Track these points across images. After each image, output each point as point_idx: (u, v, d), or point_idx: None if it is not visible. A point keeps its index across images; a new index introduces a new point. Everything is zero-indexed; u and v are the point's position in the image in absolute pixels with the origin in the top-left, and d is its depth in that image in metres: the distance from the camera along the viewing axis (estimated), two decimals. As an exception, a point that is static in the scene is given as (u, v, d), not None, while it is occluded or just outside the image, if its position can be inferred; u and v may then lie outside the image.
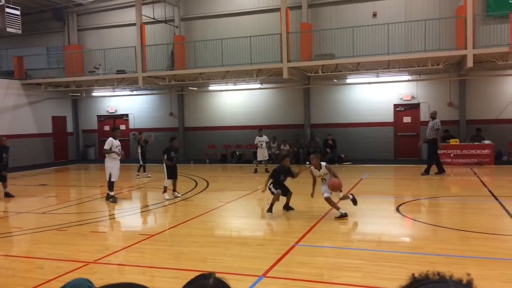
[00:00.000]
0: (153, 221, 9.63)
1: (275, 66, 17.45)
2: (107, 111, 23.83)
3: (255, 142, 16.74)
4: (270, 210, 8.95)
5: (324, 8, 19.55)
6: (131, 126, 23.35)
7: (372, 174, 15.15)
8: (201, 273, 1.24)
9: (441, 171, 14.28)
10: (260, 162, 16.54)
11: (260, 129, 17.49)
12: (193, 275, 1.22)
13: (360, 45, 17.44)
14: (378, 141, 19.38)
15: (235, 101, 21.32)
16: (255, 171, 16.39)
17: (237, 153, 20.52)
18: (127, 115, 23.46)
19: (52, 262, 6.24)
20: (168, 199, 11.13)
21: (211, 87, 21.16)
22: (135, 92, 22.60)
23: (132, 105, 23.17)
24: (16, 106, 20.75)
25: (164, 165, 11.31)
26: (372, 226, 8.27)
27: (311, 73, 18.11)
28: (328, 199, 8.70)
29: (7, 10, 16.11)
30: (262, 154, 16.47)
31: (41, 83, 21.19)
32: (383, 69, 17.36)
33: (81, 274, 5.68)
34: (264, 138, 16.72)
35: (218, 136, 21.43)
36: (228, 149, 20.99)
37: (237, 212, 10.14)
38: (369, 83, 18.90)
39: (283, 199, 9.31)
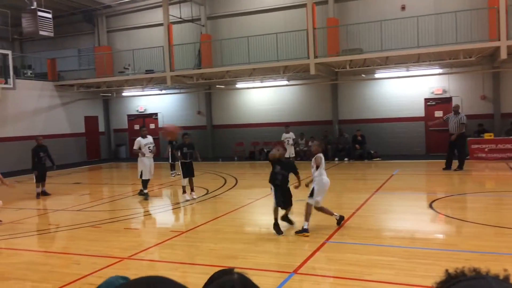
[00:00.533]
0: (183, 218, 9.76)
1: (302, 62, 17.36)
2: (137, 110, 24.25)
3: (282, 139, 16.72)
4: (276, 228, 7.34)
5: (351, 3, 19.30)
6: (160, 125, 23.68)
7: (403, 170, 14.89)
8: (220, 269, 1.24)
9: (448, 167, 14.03)
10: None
11: (287, 125, 17.46)
12: None
13: (389, 39, 17.14)
14: (409, 136, 19.02)
15: (262, 98, 21.34)
16: None
17: (265, 150, 20.51)
18: (156, 114, 23.81)
19: (88, 258, 6.42)
20: (188, 200, 10.92)
21: (238, 85, 21.24)
22: (163, 91, 22.91)
23: (161, 104, 23.49)
24: (50, 107, 21.37)
25: (179, 162, 11.27)
26: (404, 222, 8.15)
27: (338, 69, 17.93)
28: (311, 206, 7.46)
29: (39, 13, 16.58)
30: (289, 151, 16.42)
31: (73, 84, 21.74)
32: (413, 62, 17.01)
33: (116, 270, 5.82)
34: (291, 135, 16.68)
35: (246, 133, 21.50)
36: (256, 146, 21.03)
37: (267, 209, 10.13)
38: (399, 77, 18.56)
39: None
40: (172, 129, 8.13)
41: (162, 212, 10.25)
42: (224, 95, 22.17)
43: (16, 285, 5.43)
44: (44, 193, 12.41)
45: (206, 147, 22.44)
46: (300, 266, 5.60)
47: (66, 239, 7.99)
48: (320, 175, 7.35)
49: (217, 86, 21.50)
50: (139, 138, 11.41)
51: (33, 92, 20.41)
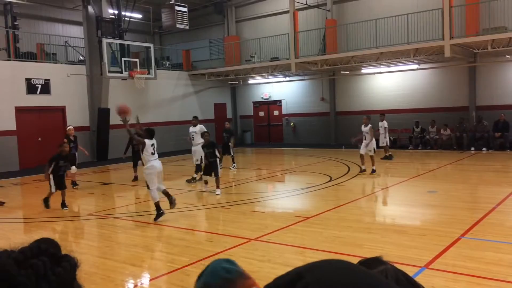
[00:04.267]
0: (307, 204, 9.85)
1: (436, 44, 16.14)
2: (262, 98, 24.98)
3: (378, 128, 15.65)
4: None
5: (495, -25, 17.31)
6: (283, 111, 24.12)
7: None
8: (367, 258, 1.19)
9: None
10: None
11: (382, 114, 16.17)
12: (352, 260, 1.13)
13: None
14: None
15: (389, 84, 20.40)
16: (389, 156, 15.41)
17: (391, 138, 19.63)
18: (280, 101, 24.28)
19: (220, 237, 6.84)
20: (204, 191, 10.63)
21: (364, 70, 20.57)
22: (287, 78, 23.22)
23: (285, 91, 23.86)
24: (184, 95, 23.12)
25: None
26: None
27: (478, 50, 16.30)
28: (361, 156, 12.20)
29: (177, 8, 17.95)
30: (381, 140, 15.20)
31: (204, 73, 23.19)
32: None
33: (244, 250, 6.12)
34: (384, 123, 15.35)
35: (371, 120, 20.74)
36: (382, 134, 20.23)
37: (393, 199, 9.77)
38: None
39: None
40: (123, 108, 7.86)
41: (286, 197, 10.47)
42: (349, 81, 21.68)
43: (160, 256, 6.04)
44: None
45: (329, 133, 22.27)
46: (431, 261, 5.28)
47: (199, 217, 8.62)
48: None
49: (342, 72, 21.08)
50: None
51: (170, 81, 22.25)
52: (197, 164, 12.03)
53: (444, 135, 17.85)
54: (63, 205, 9.45)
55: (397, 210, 8.77)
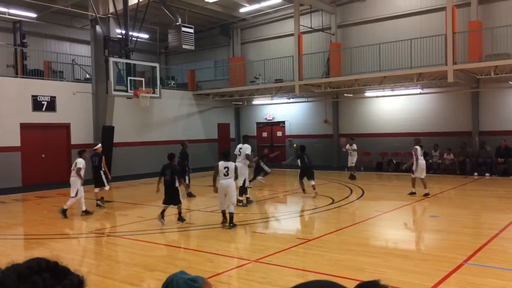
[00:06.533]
0: (308, 226, 9.80)
1: (439, 69, 16.27)
2: (265, 118, 25.10)
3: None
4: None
5: (497, 4, 17.55)
6: (287, 133, 24.18)
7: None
8: (365, 281, 1.20)
9: None
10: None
11: (351, 138, 17.91)
12: (353, 283, 1.17)
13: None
14: None
15: (392, 107, 20.49)
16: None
17: (394, 161, 19.65)
18: (283, 122, 24.37)
19: (220, 258, 6.80)
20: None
21: (367, 93, 20.70)
22: (291, 100, 23.36)
23: (288, 112, 23.98)
24: (188, 115, 23.26)
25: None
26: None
27: (481, 76, 16.41)
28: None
29: (183, 29, 18.21)
30: (350, 160, 17.05)
31: (209, 93, 23.38)
32: None
33: (245, 271, 6.08)
34: (354, 146, 17.14)
35: (374, 143, 20.83)
36: (384, 157, 20.25)
37: (395, 223, 9.71)
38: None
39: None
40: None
41: (287, 218, 10.42)
42: (352, 104, 21.80)
43: (160, 276, 5.99)
44: (190, 195, 13.30)
45: (332, 156, 22.25)
46: (434, 287, 5.23)
47: (200, 237, 8.57)
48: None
49: (345, 94, 21.21)
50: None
51: (175, 100, 22.42)
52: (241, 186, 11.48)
53: (447, 159, 17.82)
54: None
55: (399, 234, 8.71)
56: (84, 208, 10.65)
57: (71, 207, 10.62)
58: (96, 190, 11.78)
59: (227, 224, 8.80)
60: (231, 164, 9.10)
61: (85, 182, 10.81)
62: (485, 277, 5.70)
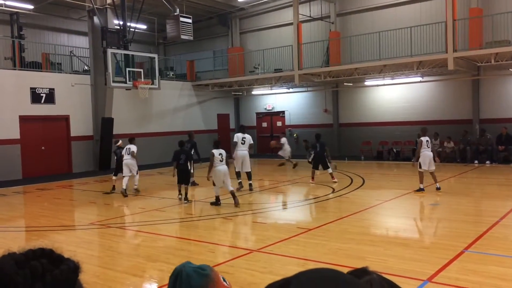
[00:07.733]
0: (309, 215, 9.81)
1: (439, 57, 16.19)
2: (265, 108, 25.04)
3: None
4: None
5: (498, -11, 17.41)
6: (287, 123, 24.15)
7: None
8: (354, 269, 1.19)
9: None
10: None
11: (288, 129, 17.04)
12: None
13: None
14: None
15: (393, 96, 20.43)
16: None
17: (395, 150, 19.63)
18: (283, 112, 24.32)
19: (222, 248, 6.82)
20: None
21: (367, 82, 20.62)
22: (291, 90, 23.28)
23: (288, 102, 23.91)
24: (188, 106, 23.20)
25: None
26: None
27: (481, 63, 16.33)
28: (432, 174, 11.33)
29: (182, 19, 18.06)
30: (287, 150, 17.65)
31: (208, 84, 23.29)
32: None
33: (246, 261, 6.09)
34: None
35: (374, 132, 20.80)
36: (385, 146, 20.23)
37: (396, 212, 9.72)
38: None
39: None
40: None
41: (288, 208, 10.44)
42: (352, 93, 21.73)
43: (161, 266, 6.01)
44: (193, 183, 13.38)
45: (332, 145, 22.19)
46: (434, 275, 5.24)
47: (201, 228, 8.59)
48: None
49: (345, 83, 21.14)
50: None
51: (174, 91, 22.33)
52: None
53: (448, 147, 17.80)
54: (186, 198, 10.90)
55: (400, 222, 8.72)
56: (124, 187, 11.87)
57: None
58: (114, 178, 13.01)
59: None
60: (224, 152, 10.33)
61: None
62: (486, 264, 5.71)
